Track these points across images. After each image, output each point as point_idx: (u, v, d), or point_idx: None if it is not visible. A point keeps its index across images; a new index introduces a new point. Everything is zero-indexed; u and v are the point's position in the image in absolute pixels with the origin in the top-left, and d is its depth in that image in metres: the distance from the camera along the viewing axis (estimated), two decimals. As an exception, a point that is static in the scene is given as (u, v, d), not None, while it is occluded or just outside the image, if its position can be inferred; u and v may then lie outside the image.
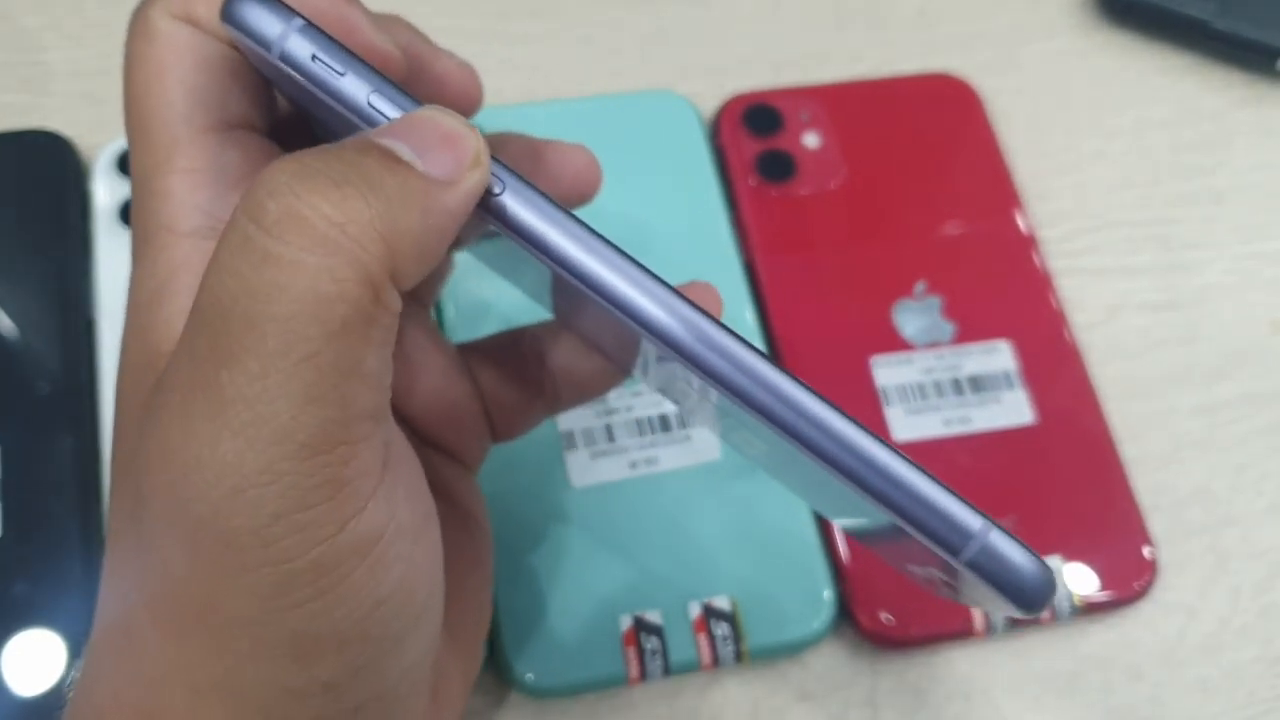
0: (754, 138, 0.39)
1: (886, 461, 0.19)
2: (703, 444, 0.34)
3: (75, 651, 0.29)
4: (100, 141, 0.36)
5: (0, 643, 0.29)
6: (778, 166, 0.38)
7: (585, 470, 0.33)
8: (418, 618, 0.20)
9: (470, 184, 0.18)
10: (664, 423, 0.34)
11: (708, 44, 0.42)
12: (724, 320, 0.20)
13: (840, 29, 0.43)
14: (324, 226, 0.17)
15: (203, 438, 0.17)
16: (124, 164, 0.36)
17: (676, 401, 0.26)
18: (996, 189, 0.39)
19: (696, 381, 0.20)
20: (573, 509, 0.32)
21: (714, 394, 0.20)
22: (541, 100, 0.39)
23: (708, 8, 0.43)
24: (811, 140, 0.39)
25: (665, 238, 0.36)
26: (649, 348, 0.20)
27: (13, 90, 0.38)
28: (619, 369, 0.26)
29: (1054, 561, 0.33)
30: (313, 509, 0.17)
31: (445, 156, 0.18)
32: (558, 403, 0.27)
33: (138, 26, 0.21)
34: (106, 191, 0.35)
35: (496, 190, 0.19)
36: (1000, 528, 0.19)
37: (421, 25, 0.24)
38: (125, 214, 0.35)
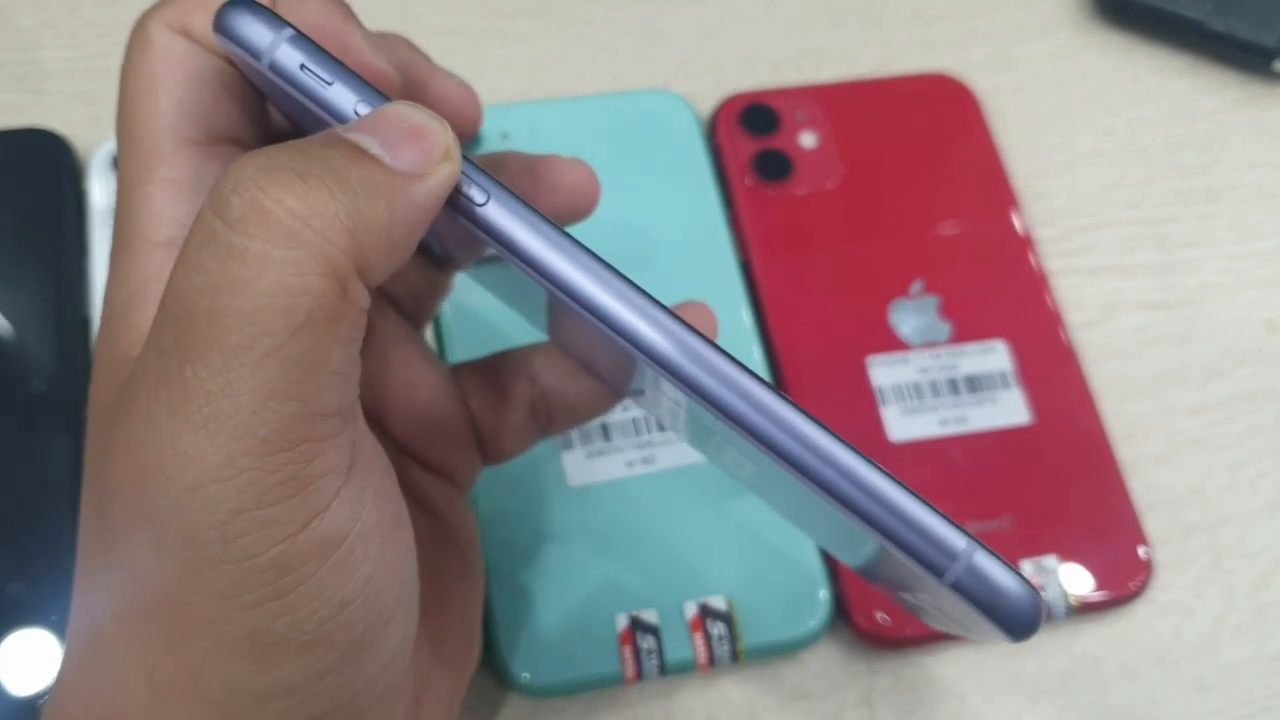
0: (750, 137, 0.39)
1: (870, 479, 0.18)
2: (699, 443, 0.34)
3: (71, 651, 0.29)
4: (95, 140, 0.36)
5: (-5, 642, 0.29)
6: (774, 166, 0.38)
7: (581, 469, 0.33)
8: (386, 623, 0.19)
9: (439, 178, 0.18)
10: (660, 423, 0.34)
11: (704, 43, 0.42)
12: (721, 322, 0.20)
13: (836, 28, 0.43)
14: (288, 220, 0.17)
15: (165, 432, 0.17)
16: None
17: (668, 424, 0.26)
18: (992, 188, 0.39)
19: (684, 400, 0.20)
20: (569, 508, 0.32)
21: (700, 412, 0.19)
22: (539, 99, 0.39)
23: (705, 7, 0.43)
24: (808, 140, 0.39)
25: (662, 237, 0.36)
26: (639, 366, 0.20)
27: (8, 89, 0.38)
28: (612, 391, 0.26)
29: (1050, 561, 0.33)
30: (274, 506, 0.17)
31: (413, 150, 0.18)
32: (550, 425, 0.27)
33: (135, 37, 0.21)
34: (102, 190, 0.35)
35: (480, 200, 0.19)
36: (987, 549, 0.18)
37: (419, 24, 0.24)
38: (121, 213, 0.35)
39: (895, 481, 0.18)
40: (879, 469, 0.18)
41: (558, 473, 0.33)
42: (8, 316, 0.33)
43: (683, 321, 0.19)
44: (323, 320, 0.17)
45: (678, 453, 0.33)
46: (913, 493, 0.18)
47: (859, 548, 0.21)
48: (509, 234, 0.19)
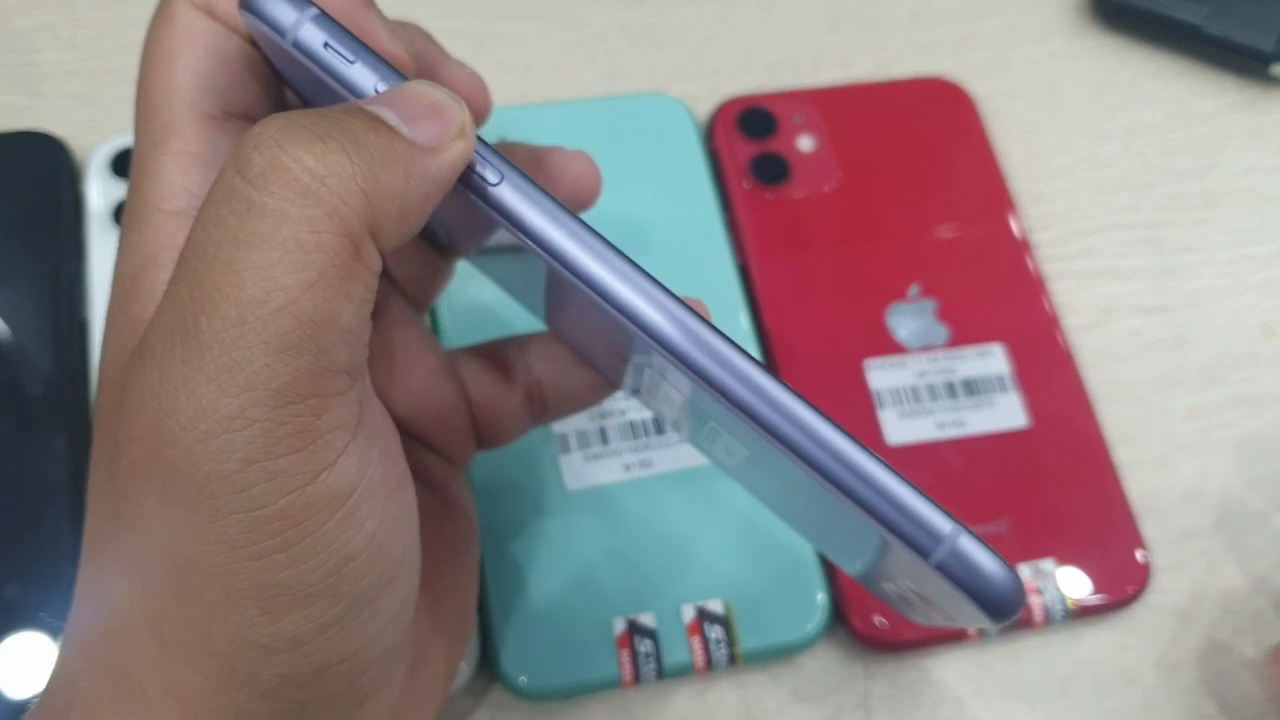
0: (748, 141, 0.39)
1: (864, 463, 0.19)
2: (697, 447, 0.34)
3: (67, 654, 0.29)
4: (93, 142, 0.36)
5: (-8, 645, 0.29)
6: (772, 169, 0.38)
7: (579, 473, 0.33)
8: (389, 580, 0.20)
9: (454, 153, 0.19)
10: (658, 425, 0.34)
11: (702, 46, 0.42)
12: (718, 324, 0.20)
13: (834, 32, 0.43)
14: (306, 178, 0.17)
15: (179, 382, 0.17)
16: (118, 165, 0.36)
17: (664, 415, 0.26)
18: (990, 192, 0.39)
19: (681, 383, 0.20)
20: (566, 512, 0.32)
21: (699, 395, 0.20)
22: (536, 103, 0.39)
23: (702, 10, 0.43)
24: (805, 143, 0.39)
25: (660, 240, 0.36)
26: (637, 352, 0.20)
27: (5, 91, 0.38)
28: (607, 382, 0.26)
29: (1047, 565, 0.33)
30: (284, 458, 0.17)
31: (430, 124, 0.19)
32: (545, 413, 0.27)
33: (159, 13, 0.22)
34: (100, 193, 0.35)
35: (494, 180, 0.19)
36: (971, 532, 0.19)
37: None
38: (119, 215, 0.35)
39: (886, 466, 0.19)
40: (872, 455, 0.19)
41: (555, 476, 0.33)
42: (6, 319, 0.33)
43: (685, 305, 0.19)
44: (335, 278, 0.17)
45: (675, 456, 0.33)
46: (902, 477, 0.19)
47: (844, 538, 0.22)
48: (520, 214, 0.19)
